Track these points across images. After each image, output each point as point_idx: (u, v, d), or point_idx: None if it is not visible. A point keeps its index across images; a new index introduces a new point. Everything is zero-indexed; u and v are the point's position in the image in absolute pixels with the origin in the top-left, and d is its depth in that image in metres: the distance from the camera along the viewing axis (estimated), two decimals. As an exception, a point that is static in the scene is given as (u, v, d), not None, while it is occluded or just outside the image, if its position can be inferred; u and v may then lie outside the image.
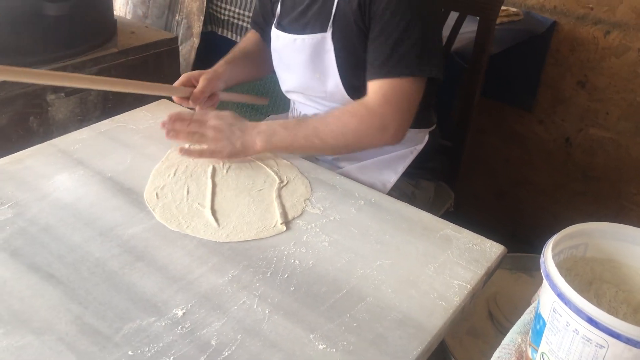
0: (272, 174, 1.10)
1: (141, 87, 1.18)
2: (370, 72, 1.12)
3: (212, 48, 2.07)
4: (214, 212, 0.98)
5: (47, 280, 0.81)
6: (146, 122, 1.23)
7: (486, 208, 2.16)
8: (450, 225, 0.98)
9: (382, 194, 1.07)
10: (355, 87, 1.18)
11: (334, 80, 1.19)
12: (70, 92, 1.47)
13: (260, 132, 1.11)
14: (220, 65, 1.32)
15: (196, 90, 1.22)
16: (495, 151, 2.07)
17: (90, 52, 1.53)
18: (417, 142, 1.26)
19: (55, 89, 1.44)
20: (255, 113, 1.91)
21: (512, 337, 0.69)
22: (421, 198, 1.28)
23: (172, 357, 0.70)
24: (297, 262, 0.87)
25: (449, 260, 0.90)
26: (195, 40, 2.04)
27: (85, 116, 1.51)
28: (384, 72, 1.10)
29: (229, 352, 0.72)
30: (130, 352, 0.70)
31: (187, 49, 2.04)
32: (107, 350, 0.71)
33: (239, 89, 1.79)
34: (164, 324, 0.75)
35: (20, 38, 1.38)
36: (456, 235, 0.95)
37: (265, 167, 1.12)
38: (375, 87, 1.11)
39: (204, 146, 1.11)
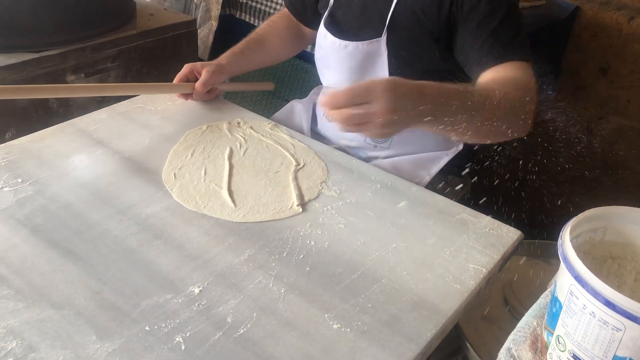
0: (289, 156, 1.10)
1: (144, 88, 1.17)
2: (494, 55, 1.01)
3: (230, 31, 2.07)
4: (230, 192, 0.98)
5: (67, 256, 0.82)
6: (164, 103, 1.24)
7: (503, 195, 2.14)
8: (467, 209, 0.97)
9: (398, 177, 1.06)
10: None
11: None
12: (90, 73, 1.49)
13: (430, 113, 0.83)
14: (225, 57, 1.29)
15: (197, 84, 1.20)
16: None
17: (110, 33, 1.54)
18: (453, 144, 1.24)
19: (75, 70, 1.46)
20: (273, 97, 1.91)
21: (528, 320, 0.69)
22: (450, 193, 1.26)
23: (188, 333, 0.71)
24: (313, 243, 0.88)
25: (465, 244, 0.89)
26: (214, 23, 2.04)
27: (104, 97, 1.52)
28: (511, 55, 1.00)
29: (245, 329, 0.72)
30: (147, 328, 0.71)
31: (205, 32, 2.04)
32: (124, 325, 0.72)
33: (258, 72, 1.80)
34: (180, 300, 0.76)
35: (40, 19, 1.39)
36: (473, 220, 0.95)
37: (282, 149, 1.12)
38: (512, 65, 0.99)
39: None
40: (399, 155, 1.23)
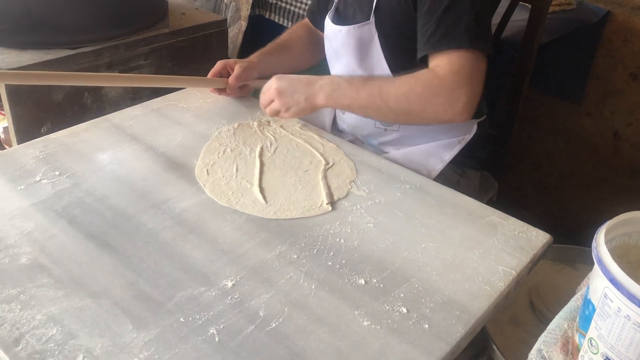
0: (318, 155, 1.11)
1: (179, 81, 1.20)
2: (427, 45, 1.07)
3: (259, 31, 2.10)
4: (261, 189, 1.00)
5: (103, 247, 0.84)
6: (196, 101, 1.26)
7: (529, 200, 2.13)
8: (497, 212, 0.98)
9: (427, 178, 1.07)
10: (401, 70, 1.17)
11: (380, 68, 1.20)
12: (123, 70, 1.51)
13: (322, 85, 1.09)
14: (255, 55, 1.34)
15: (231, 78, 1.25)
16: (540, 143, 2.04)
17: (143, 32, 1.57)
18: (465, 132, 1.25)
19: (109, 67, 1.49)
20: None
21: (558, 322, 0.69)
22: (466, 186, 1.27)
23: (222, 326, 0.73)
24: (342, 241, 0.89)
25: (494, 246, 0.90)
26: (243, 24, 2.06)
27: (137, 94, 1.55)
28: (447, 43, 1.05)
29: (277, 323, 0.74)
30: (182, 319, 0.73)
31: (235, 32, 2.07)
32: (159, 316, 0.73)
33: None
34: (214, 293, 0.77)
35: (77, 17, 1.42)
36: (502, 222, 0.95)
37: (311, 148, 1.13)
38: (442, 59, 1.06)
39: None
40: (411, 146, 1.25)
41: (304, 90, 1.10)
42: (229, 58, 1.89)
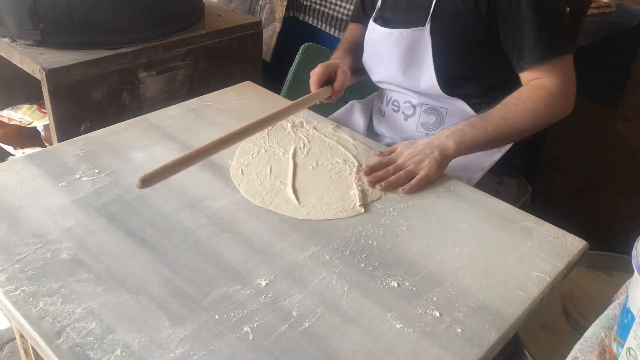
0: (351, 157, 1.12)
1: (292, 108, 1.11)
2: (536, 55, 1.10)
3: (293, 33, 2.11)
4: (295, 190, 1.01)
5: (141, 244, 0.86)
6: (232, 102, 1.28)
7: (562, 205, 2.09)
8: (531, 217, 0.97)
9: (461, 182, 1.07)
10: (451, 82, 1.18)
11: (428, 74, 1.19)
12: (161, 70, 1.54)
13: (448, 136, 1.09)
14: (340, 55, 1.32)
15: (337, 86, 1.21)
16: (574, 148, 2.01)
17: (180, 33, 1.60)
18: None
19: (147, 67, 1.52)
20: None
21: (595, 330, 0.68)
22: (505, 194, 1.26)
23: (256, 324, 0.74)
24: (375, 243, 0.89)
25: (528, 251, 0.89)
26: (278, 25, 2.08)
27: (173, 94, 1.58)
28: (552, 52, 1.10)
29: (309, 323, 0.74)
30: (217, 317, 0.74)
31: (269, 34, 2.09)
32: (195, 313, 0.75)
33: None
34: (248, 292, 0.79)
35: (117, 18, 1.45)
36: (536, 228, 0.94)
37: (344, 150, 1.14)
38: (546, 68, 1.10)
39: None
40: None
41: (430, 147, 1.08)
42: (263, 60, 1.91)
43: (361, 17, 1.41)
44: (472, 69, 1.18)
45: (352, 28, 1.44)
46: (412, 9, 1.21)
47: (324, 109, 1.38)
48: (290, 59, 1.91)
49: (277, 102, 1.31)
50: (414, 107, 1.26)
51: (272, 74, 1.99)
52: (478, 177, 1.20)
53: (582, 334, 0.70)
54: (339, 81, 1.21)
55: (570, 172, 2.05)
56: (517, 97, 1.11)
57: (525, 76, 1.13)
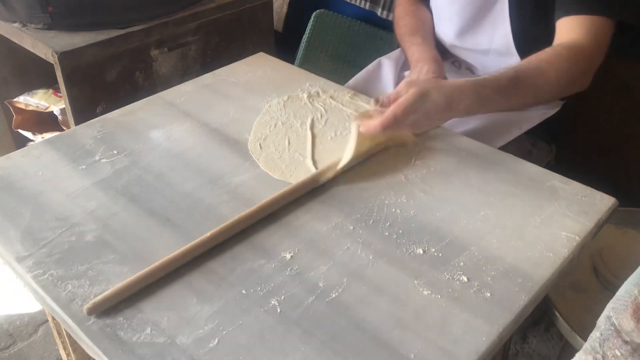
0: (371, 124, 1.10)
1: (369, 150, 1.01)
2: (576, 5, 1.01)
3: (303, 1, 2.07)
4: (314, 162, 0.99)
5: (164, 224, 0.86)
6: (245, 75, 1.26)
7: (588, 162, 2.05)
8: (557, 176, 0.95)
9: (485, 145, 1.04)
10: (527, 39, 1.12)
11: (503, 31, 1.13)
12: (173, 47, 1.53)
13: (463, 99, 0.96)
14: (426, 52, 1.18)
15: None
16: (598, 103, 1.96)
17: (190, 7, 1.57)
18: (551, 107, 1.20)
19: (158, 45, 1.50)
20: (349, 66, 1.89)
21: (628, 288, 0.66)
22: (537, 158, 1.22)
23: (283, 297, 0.74)
24: (399, 211, 0.88)
25: (556, 211, 0.87)
26: (288, -6, 2.04)
27: (187, 70, 1.57)
28: (595, 8, 1.00)
29: (336, 294, 0.74)
30: (244, 291, 0.74)
31: (280, 3, 2.05)
32: (222, 289, 0.75)
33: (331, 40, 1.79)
34: (273, 266, 0.78)
35: (126, -5, 1.44)
36: (563, 187, 0.92)
37: (363, 118, 1.12)
38: (584, 24, 1.00)
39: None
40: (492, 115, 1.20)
41: (442, 115, 0.98)
42: (275, 31, 1.87)
43: None
44: (549, 28, 1.09)
45: (411, 2, 1.33)
46: None
47: (341, 81, 1.35)
48: (303, 28, 1.89)
49: (291, 72, 1.29)
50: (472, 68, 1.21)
51: (285, 43, 1.96)
52: (515, 134, 1.16)
53: (613, 292, 0.69)
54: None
55: (596, 128, 2.00)
56: (547, 54, 1.01)
57: (560, 26, 1.04)
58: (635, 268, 0.72)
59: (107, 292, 0.73)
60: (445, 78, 1.12)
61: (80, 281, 0.76)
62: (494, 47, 1.17)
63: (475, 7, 1.15)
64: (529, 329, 1.51)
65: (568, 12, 1.02)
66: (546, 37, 1.11)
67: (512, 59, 1.18)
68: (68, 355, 1.22)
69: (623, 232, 1.25)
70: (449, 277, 0.76)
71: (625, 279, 0.70)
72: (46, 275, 0.77)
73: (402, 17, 1.31)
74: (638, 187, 1.92)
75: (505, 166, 0.98)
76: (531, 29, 1.12)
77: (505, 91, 0.98)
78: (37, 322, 1.64)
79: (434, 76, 1.10)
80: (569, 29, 1.02)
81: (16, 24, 1.47)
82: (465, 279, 0.76)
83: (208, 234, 0.81)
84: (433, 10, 1.27)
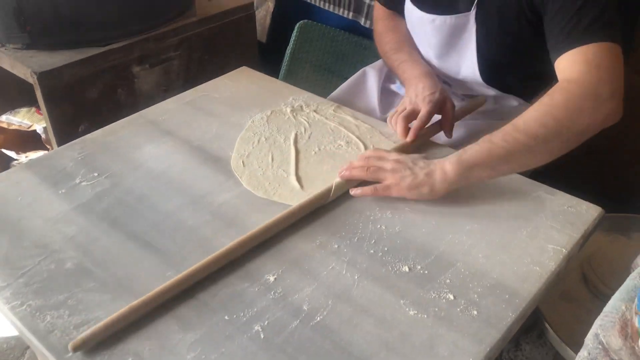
0: (355, 138, 1.09)
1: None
2: (562, 44, 0.96)
3: (287, 12, 2.06)
4: (298, 178, 0.98)
5: (145, 248, 0.84)
6: (228, 90, 1.25)
7: (576, 166, 2.05)
8: (543, 186, 0.94)
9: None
10: (492, 71, 1.13)
11: (469, 62, 1.14)
12: (155, 63, 1.51)
13: (447, 157, 0.91)
14: (423, 74, 1.15)
15: (447, 125, 1.09)
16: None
17: (171, 22, 1.56)
18: None
19: (140, 61, 1.49)
20: (332, 76, 1.88)
21: (615, 304, 0.66)
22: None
23: (266, 322, 0.72)
24: (384, 227, 0.87)
25: (542, 223, 0.86)
26: (270, 5, 2.03)
27: (169, 86, 1.55)
28: (584, 39, 0.93)
29: (321, 317, 0.73)
30: (226, 317, 0.73)
31: (262, 14, 2.04)
32: (204, 315, 0.73)
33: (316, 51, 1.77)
34: (256, 289, 0.77)
35: (106, 13, 1.42)
36: (550, 198, 0.91)
37: (346, 131, 1.11)
38: (574, 58, 0.93)
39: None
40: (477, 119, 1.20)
41: (425, 166, 0.91)
42: (259, 42, 1.86)
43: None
44: (515, 57, 1.11)
45: (390, 18, 1.31)
46: None
47: (323, 92, 1.34)
48: (287, 38, 1.87)
49: (274, 86, 1.28)
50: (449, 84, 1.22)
51: (269, 54, 1.95)
52: None
53: (603, 301, 0.68)
54: (447, 121, 1.09)
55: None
56: (539, 100, 0.93)
57: (557, 67, 0.97)
58: (625, 276, 0.71)
59: (93, 328, 0.70)
60: (440, 88, 1.12)
61: (60, 311, 0.74)
62: (462, 74, 1.18)
63: (445, 35, 1.15)
64: (521, 336, 1.50)
65: (561, 51, 0.96)
66: (515, 64, 1.12)
67: (482, 87, 1.19)
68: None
69: (612, 238, 1.24)
70: (435, 296, 0.75)
71: (616, 287, 0.69)
72: (24, 307, 0.75)
73: (383, 34, 1.30)
74: (627, 192, 1.92)
75: (490, 177, 0.97)
76: (499, 58, 1.13)
77: (482, 140, 0.91)
78: (23, 346, 1.61)
79: (431, 92, 1.09)
80: (567, 66, 0.95)
81: (-5, 44, 1.45)
82: (451, 296, 0.75)
83: (199, 264, 0.78)
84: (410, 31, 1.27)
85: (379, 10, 1.34)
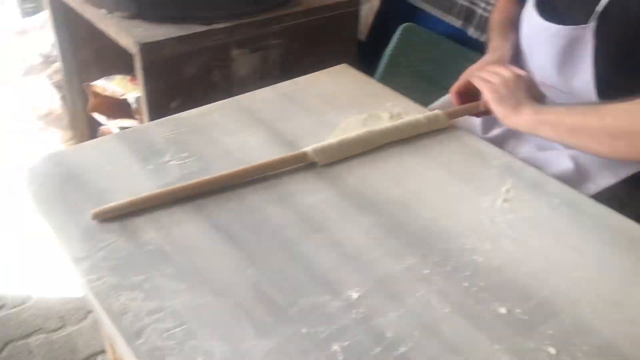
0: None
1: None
2: None
3: (391, 12, 2.00)
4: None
5: (227, 240, 0.81)
6: (327, 87, 1.21)
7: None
8: (664, 238, 0.84)
9: (579, 193, 0.94)
10: (610, 87, 1.03)
11: (584, 77, 1.04)
12: (254, 48, 1.49)
13: (533, 103, 0.99)
14: (499, 46, 1.18)
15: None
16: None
17: (275, 9, 1.53)
18: None
19: (240, 45, 1.47)
20: (432, 85, 1.81)
21: None
22: (634, 208, 1.11)
23: (346, 342, 0.67)
24: (481, 259, 0.80)
25: (662, 282, 0.77)
26: (375, 3, 1.98)
27: (265, 73, 1.53)
28: None
29: (405, 348, 0.67)
30: (304, 330, 0.68)
31: (366, 11, 1.99)
32: (281, 323, 0.69)
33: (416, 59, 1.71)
34: (338, 304, 0.72)
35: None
36: (673, 254, 0.82)
37: (447, 147, 1.04)
38: None
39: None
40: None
41: (520, 96, 1.00)
42: (359, 40, 1.81)
43: None
44: (633, 79, 1.00)
45: (504, 4, 1.28)
46: (572, 2, 1.04)
47: (423, 100, 1.27)
48: (387, 39, 1.82)
49: (373, 88, 1.22)
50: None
51: (367, 54, 1.89)
52: (610, 183, 1.05)
53: None
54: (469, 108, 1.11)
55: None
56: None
57: None
58: None
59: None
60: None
61: (134, 293, 0.72)
62: (575, 91, 1.08)
63: (558, 48, 1.06)
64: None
65: None
66: (632, 87, 0.98)
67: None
68: (112, 349, 1.20)
69: None
70: (534, 347, 0.67)
71: None
72: (100, 282, 0.73)
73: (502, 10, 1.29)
74: None
75: (602, 221, 0.87)
76: (619, 80, 1.02)
77: (567, 106, 0.99)
78: (87, 308, 1.64)
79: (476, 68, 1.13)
80: None
81: (103, 10, 1.46)
82: (553, 351, 0.67)
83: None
84: (522, 44, 1.18)
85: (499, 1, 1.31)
